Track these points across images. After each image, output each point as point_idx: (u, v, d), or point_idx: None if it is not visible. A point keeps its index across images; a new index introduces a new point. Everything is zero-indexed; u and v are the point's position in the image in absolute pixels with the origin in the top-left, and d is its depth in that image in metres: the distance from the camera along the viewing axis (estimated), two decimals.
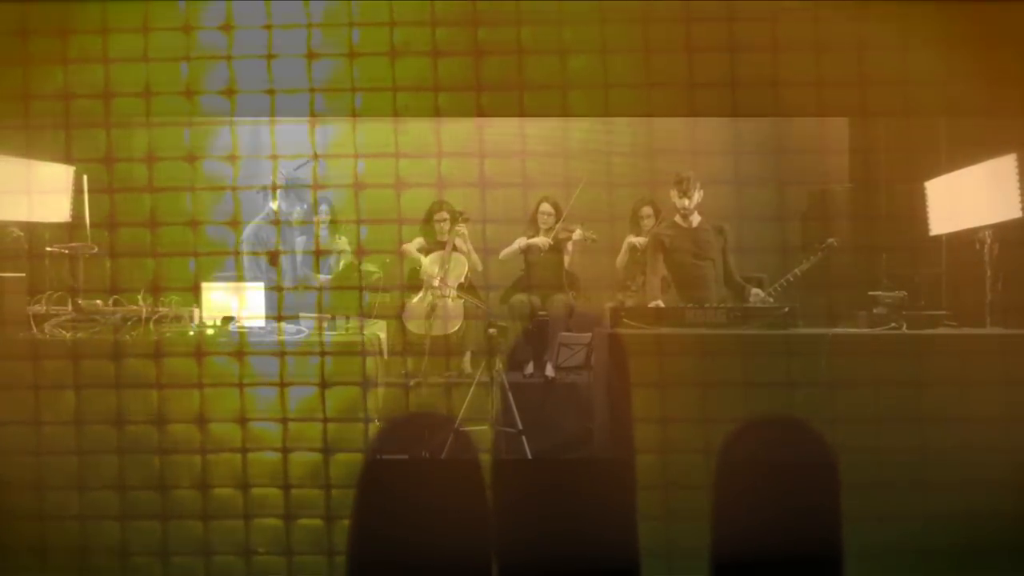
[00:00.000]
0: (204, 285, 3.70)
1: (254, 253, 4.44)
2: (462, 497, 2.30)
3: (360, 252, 4.79)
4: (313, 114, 3.40)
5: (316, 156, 4.46)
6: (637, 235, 5.47)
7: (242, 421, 3.30)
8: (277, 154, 3.65)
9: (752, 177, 4.85)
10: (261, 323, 3.70)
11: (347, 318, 4.15)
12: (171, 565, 3.28)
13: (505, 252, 5.58)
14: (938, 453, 3.29)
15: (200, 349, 3.34)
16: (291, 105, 3.39)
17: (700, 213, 4.68)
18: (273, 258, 4.46)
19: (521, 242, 5.54)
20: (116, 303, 3.74)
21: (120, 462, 3.33)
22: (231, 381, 3.33)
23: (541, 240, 5.52)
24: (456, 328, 5.23)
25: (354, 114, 3.44)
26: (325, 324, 3.91)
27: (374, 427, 3.58)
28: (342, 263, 5.31)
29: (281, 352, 3.36)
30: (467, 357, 5.31)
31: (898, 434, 3.30)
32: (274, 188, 4.54)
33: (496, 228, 5.47)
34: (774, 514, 2.30)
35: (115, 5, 3.47)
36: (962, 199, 4.17)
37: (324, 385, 3.32)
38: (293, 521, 3.33)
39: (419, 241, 5.54)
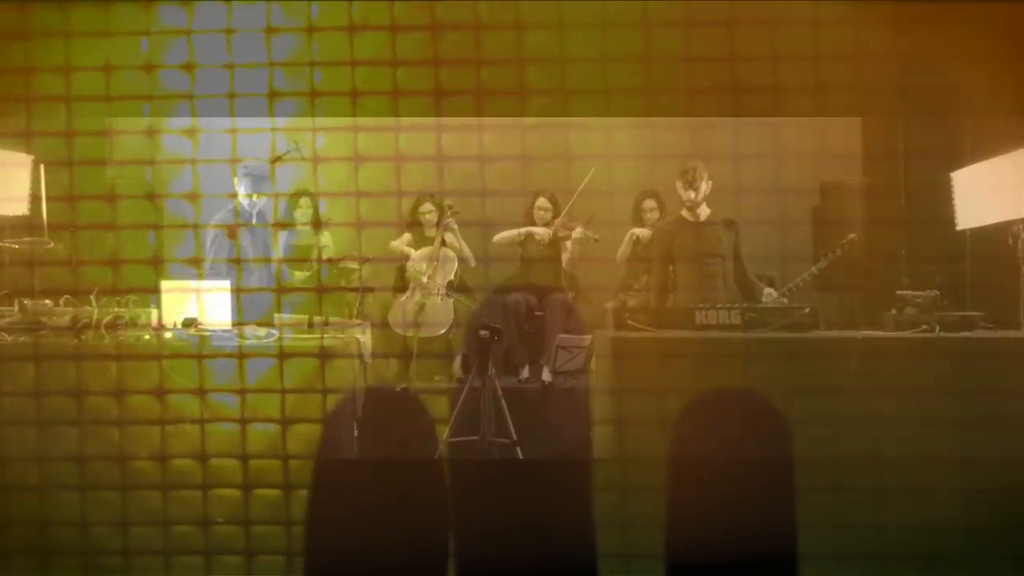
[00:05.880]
0: (164, 284, 3.37)
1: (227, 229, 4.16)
2: (422, 497, 2.29)
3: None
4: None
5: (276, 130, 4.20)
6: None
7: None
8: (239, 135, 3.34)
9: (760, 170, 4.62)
10: (227, 326, 3.37)
11: (326, 321, 3.83)
12: (132, 537, 3.20)
13: (501, 236, 5.30)
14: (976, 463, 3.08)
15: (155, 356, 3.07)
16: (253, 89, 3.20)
17: (708, 206, 4.36)
18: (232, 232, 4.21)
19: (521, 229, 5.28)
20: (68, 303, 3.41)
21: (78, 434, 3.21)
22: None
23: (542, 231, 5.21)
24: (445, 329, 5.00)
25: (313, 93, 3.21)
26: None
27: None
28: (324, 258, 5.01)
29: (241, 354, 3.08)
30: (457, 361, 5.07)
31: (938, 442, 3.10)
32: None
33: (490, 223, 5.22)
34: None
35: None
36: (991, 191, 3.94)
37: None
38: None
39: (407, 237, 5.26)
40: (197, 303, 3.31)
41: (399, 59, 3.16)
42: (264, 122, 3.44)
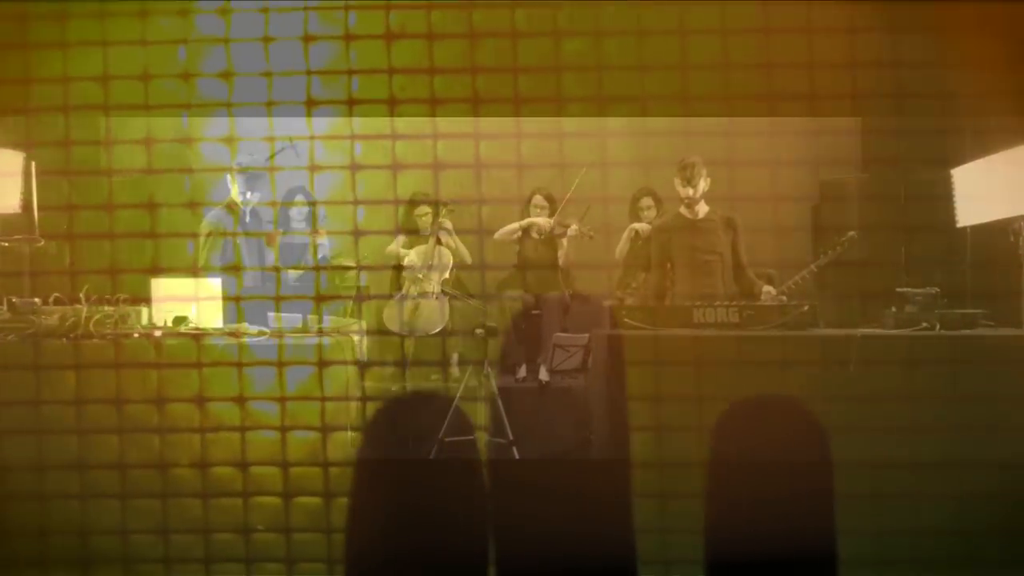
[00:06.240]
0: (155, 281, 3.31)
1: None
2: (461, 499, 2.27)
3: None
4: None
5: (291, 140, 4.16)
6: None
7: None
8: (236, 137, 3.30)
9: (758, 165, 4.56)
10: (218, 324, 3.32)
11: (320, 318, 3.77)
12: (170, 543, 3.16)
13: (502, 232, 5.24)
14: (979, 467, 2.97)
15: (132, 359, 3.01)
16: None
17: (707, 203, 4.31)
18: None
19: (522, 221, 5.23)
20: (57, 301, 3.35)
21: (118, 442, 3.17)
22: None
23: (543, 220, 5.16)
24: (441, 328, 4.92)
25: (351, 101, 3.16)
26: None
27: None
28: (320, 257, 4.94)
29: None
30: (454, 360, 4.97)
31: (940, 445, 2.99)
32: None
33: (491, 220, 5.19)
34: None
35: None
36: (992, 187, 3.85)
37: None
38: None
39: (402, 239, 5.19)
40: (193, 303, 3.25)
41: (436, 67, 3.13)
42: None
